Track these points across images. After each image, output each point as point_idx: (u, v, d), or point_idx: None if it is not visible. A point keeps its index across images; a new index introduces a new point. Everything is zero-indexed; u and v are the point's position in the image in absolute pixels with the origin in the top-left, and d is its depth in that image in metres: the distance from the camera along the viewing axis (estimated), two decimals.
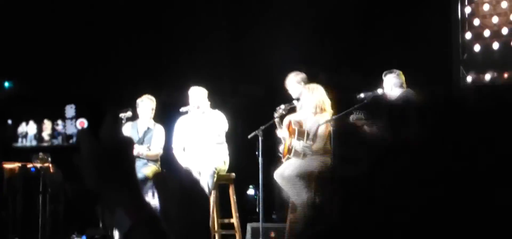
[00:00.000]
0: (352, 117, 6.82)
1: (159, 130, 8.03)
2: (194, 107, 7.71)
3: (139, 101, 8.05)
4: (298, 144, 7.14)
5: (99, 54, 10.11)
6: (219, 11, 10.23)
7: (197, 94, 7.76)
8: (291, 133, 7.23)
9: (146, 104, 8.02)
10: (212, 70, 9.32)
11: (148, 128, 8.00)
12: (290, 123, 7.29)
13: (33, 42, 10.32)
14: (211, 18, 10.02)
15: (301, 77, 7.57)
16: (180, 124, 7.81)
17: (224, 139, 7.70)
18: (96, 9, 10.08)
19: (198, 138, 7.65)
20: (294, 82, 7.57)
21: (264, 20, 9.81)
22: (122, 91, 8.49)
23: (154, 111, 8.07)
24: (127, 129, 7.90)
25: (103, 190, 1.54)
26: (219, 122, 7.70)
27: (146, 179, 7.41)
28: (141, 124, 8.04)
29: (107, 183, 1.56)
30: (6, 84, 10.59)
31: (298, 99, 7.46)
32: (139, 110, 8.05)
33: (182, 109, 7.77)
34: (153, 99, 8.08)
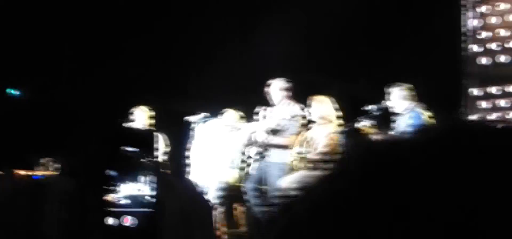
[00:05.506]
0: (361, 124, 6.83)
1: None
2: (201, 119, 7.66)
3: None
4: (294, 152, 7.18)
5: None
6: (231, 25, 10.18)
7: (230, 116, 7.78)
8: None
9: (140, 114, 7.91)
10: (224, 81, 9.26)
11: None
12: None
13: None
14: (223, 33, 9.97)
15: (284, 85, 7.56)
16: (200, 132, 7.73)
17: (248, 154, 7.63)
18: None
19: (214, 152, 7.63)
20: (276, 88, 7.56)
21: (273, 29, 9.79)
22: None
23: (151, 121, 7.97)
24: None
25: None
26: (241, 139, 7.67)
27: None
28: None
29: None
30: (12, 91, 10.57)
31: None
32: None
33: (189, 118, 7.73)
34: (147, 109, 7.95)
